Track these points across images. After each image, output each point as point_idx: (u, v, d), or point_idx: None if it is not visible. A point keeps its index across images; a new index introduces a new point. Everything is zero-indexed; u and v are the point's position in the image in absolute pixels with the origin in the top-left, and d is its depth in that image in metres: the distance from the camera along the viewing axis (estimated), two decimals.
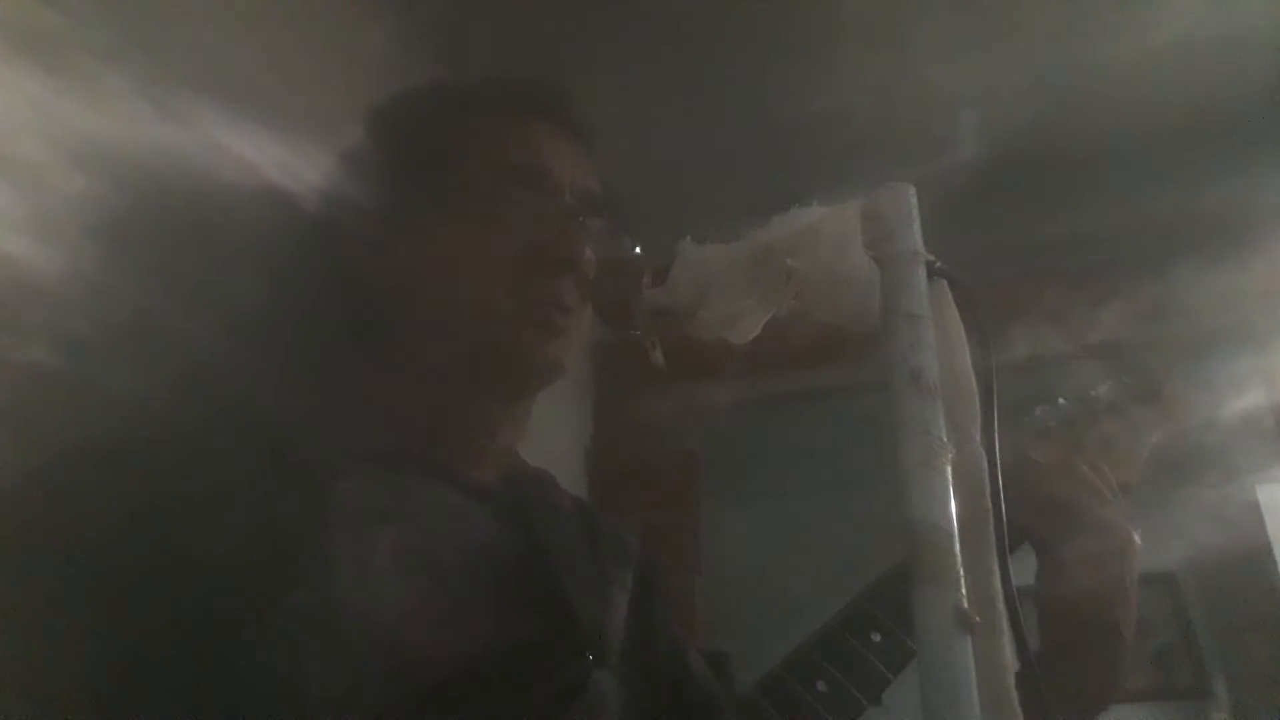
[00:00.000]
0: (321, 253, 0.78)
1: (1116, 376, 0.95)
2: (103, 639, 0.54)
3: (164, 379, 0.72)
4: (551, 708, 0.64)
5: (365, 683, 0.57)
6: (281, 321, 0.78)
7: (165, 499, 0.58)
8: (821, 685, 0.76)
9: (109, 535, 0.57)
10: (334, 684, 0.56)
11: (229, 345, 0.75)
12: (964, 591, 0.45)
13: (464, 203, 0.76)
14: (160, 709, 0.53)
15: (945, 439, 0.49)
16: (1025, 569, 0.81)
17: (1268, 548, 2.22)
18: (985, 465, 0.53)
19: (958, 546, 0.46)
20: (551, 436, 1.91)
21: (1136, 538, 0.82)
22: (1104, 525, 0.82)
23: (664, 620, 0.84)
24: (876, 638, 0.78)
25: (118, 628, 0.54)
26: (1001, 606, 0.49)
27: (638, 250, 0.80)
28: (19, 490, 0.59)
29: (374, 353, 0.77)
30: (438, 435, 0.76)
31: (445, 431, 0.76)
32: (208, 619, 0.55)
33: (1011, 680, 0.48)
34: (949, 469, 0.48)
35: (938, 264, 0.55)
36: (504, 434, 0.80)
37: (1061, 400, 0.94)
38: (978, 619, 0.45)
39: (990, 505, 0.51)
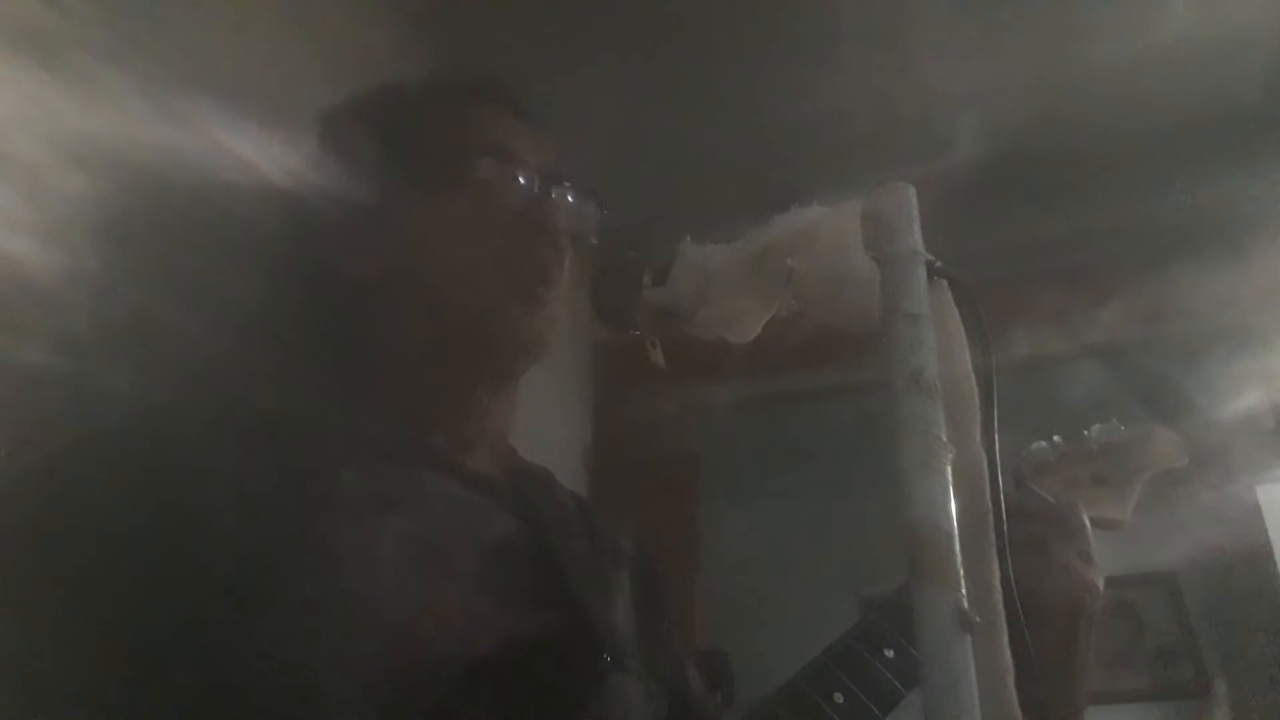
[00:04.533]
0: (307, 249, 0.78)
1: (1109, 420, 1.00)
2: (109, 637, 0.54)
3: (163, 377, 0.72)
4: (568, 708, 0.64)
5: (377, 677, 0.56)
6: (278, 319, 0.78)
7: (167, 496, 0.58)
8: (839, 697, 0.78)
9: (112, 533, 0.57)
10: (345, 678, 0.56)
11: (228, 343, 0.75)
12: (964, 591, 0.45)
13: (433, 187, 0.78)
14: (170, 706, 0.53)
15: (945, 439, 0.49)
16: None
17: (1268, 548, 2.23)
18: (985, 465, 0.53)
19: (958, 546, 0.46)
20: (552, 436, 1.91)
21: (1100, 584, 0.84)
22: (1067, 569, 0.83)
23: (667, 628, 0.84)
24: (890, 653, 0.81)
25: (124, 626, 0.54)
26: (1001, 606, 0.49)
27: (604, 227, 0.81)
28: (21, 489, 0.59)
29: (364, 345, 0.78)
30: (430, 421, 0.76)
31: (436, 417, 0.77)
32: (216, 616, 0.55)
33: (1012, 680, 0.48)
34: (949, 469, 0.48)
35: (938, 264, 0.55)
36: (494, 419, 0.80)
37: (1056, 438, 0.98)
38: (978, 619, 0.45)
39: (990, 505, 0.51)
